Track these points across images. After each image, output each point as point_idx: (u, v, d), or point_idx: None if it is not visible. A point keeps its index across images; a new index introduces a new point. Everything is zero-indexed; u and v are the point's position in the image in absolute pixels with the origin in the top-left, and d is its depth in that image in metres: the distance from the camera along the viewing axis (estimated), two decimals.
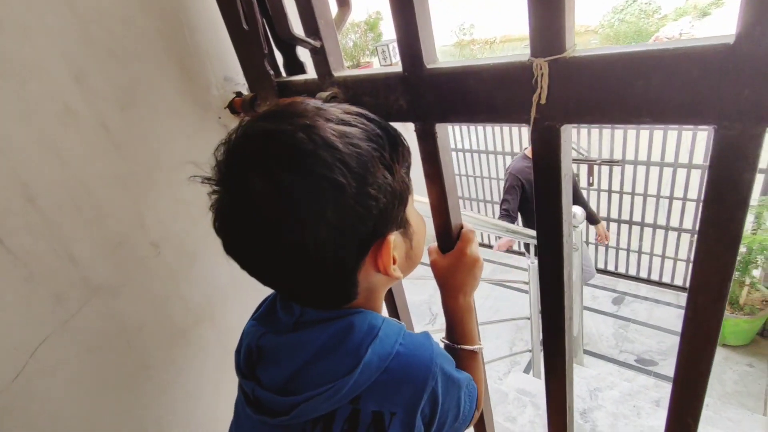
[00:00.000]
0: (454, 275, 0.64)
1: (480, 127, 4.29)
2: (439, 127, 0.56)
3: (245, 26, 0.67)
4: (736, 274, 2.63)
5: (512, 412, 2.03)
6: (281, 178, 0.40)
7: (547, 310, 0.60)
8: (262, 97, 0.74)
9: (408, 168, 0.50)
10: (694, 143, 2.99)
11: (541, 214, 0.53)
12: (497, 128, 4.15)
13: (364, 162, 0.42)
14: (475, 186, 4.53)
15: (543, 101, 0.44)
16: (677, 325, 3.14)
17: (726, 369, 2.72)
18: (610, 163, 3.37)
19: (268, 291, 0.61)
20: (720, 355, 2.72)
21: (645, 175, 3.32)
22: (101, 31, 0.62)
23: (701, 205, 0.40)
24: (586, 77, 0.41)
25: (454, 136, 4.50)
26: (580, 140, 3.78)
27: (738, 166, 0.36)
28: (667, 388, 2.62)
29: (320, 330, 0.48)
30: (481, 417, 0.83)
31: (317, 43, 0.61)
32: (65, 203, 0.62)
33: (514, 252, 4.34)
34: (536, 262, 2.32)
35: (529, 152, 2.60)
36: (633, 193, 3.43)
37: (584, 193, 2.88)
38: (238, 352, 0.56)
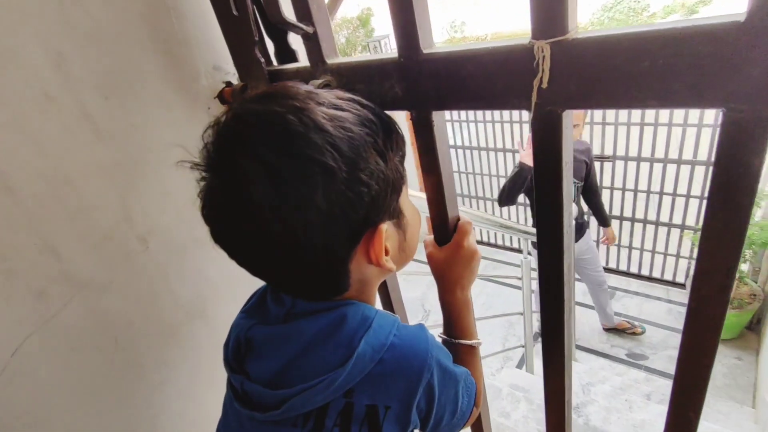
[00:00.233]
0: (452, 268, 0.63)
1: (473, 124, 4.29)
2: (436, 115, 0.55)
3: (235, 12, 0.65)
4: None
5: (506, 408, 2.03)
6: (270, 160, 0.38)
7: (546, 304, 0.59)
8: (252, 87, 0.72)
9: (402, 157, 0.49)
10: (684, 139, 3.01)
11: (542, 204, 0.51)
12: (490, 125, 4.15)
13: (355, 147, 0.41)
14: (467, 182, 4.52)
15: (544, 85, 0.43)
16: (667, 319, 3.18)
17: (715, 362, 2.74)
18: (602, 159, 3.39)
19: (259, 285, 0.60)
20: None
21: (635, 171, 3.34)
22: (80, 13, 0.59)
23: (707, 192, 0.39)
24: (589, 59, 0.39)
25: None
26: None
27: (746, 150, 0.35)
28: (657, 382, 2.64)
29: (312, 321, 0.47)
30: (479, 413, 0.82)
31: (310, 29, 0.59)
32: (46, 195, 0.59)
33: (507, 248, 4.35)
34: (529, 258, 2.33)
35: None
36: (624, 189, 3.46)
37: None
38: (226, 345, 0.55)
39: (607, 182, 3.50)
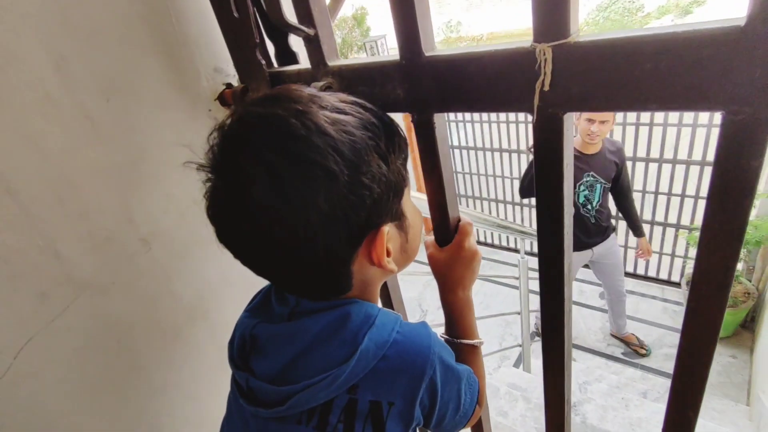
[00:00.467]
0: (453, 269, 0.63)
1: (470, 124, 4.30)
2: (437, 117, 0.55)
3: (235, 14, 0.65)
4: None
5: (504, 407, 2.04)
6: (272, 163, 0.39)
7: (546, 302, 0.60)
8: (253, 89, 0.72)
9: (405, 159, 0.50)
10: (679, 139, 3.03)
11: (542, 205, 0.52)
12: (487, 125, 4.16)
13: (357, 150, 0.41)
14: (464, 183, 4.53)
15: (546, 88, 0.43)
16: (662, 318, 3.20)
17: None
18: None
19: (260, 286, 0.60)
20: None
21: (631, 171, 3.35)
22: (81, 14, 0.59)
23: (707, 192, 0.40)
24: (591, 62, 0.40)
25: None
26: None
27: (746, 153, 0.36)
28: (654, 380, 2.66)
29: (316, 319, 0.48)
30: None
31: (311, 31, 0.59)
32: (48, 197, 0.59)
33: (505, 248, 4.37)
34: (526, 257, 2.34)
35: (573, 140, 2.47)
36: None
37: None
38: (231, 343, 0.55)
39: None
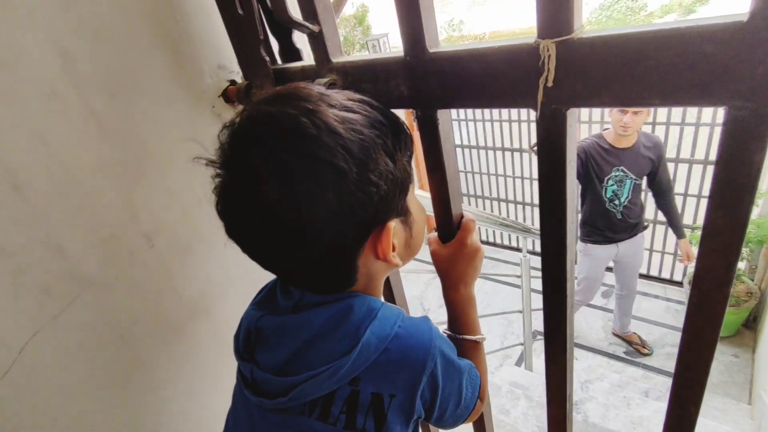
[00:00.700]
0: (455, 265, 0.64)
1: (472, 123, 4.29)
2: (441, 114, 0.55)
3: (240, 11, 0.65)
4: None
5: (505, 405, 2.04)
6: (282, 161, 0.40)
7: (548, 300, 0.60)
8: (257, 85, 0.72)
9: (410, 156, 0.51)
10: (682, 138, 3.03)
11: (545, 201, 0.52)
12: (489, 123, 4.16)
13: (366, 148, 0.42)
14: (467, 181, 4.53)
15: (550, 84, 0.43)
16: (664, 317, 3.20)
17: None
18: None
19: (263, 283, 0.60)
20: None
21: None
22: (86, 11, 0.60)
23: (709, 188, 0.40)
24: (595, 58, 0.40)
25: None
26: None
27: (749, 148, 0.36)
28: (655, 379, 2.66)
29: (319, 312, 0.49)
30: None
31: (315, 28, 0.60)
32: (53, 193, 0.60)
33: (507, 247, 4.37)
34: (528, 256, 2.34)
35: (605, 133, 2.35)
36: None
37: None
38: (237, 336, 0.56)
39: None
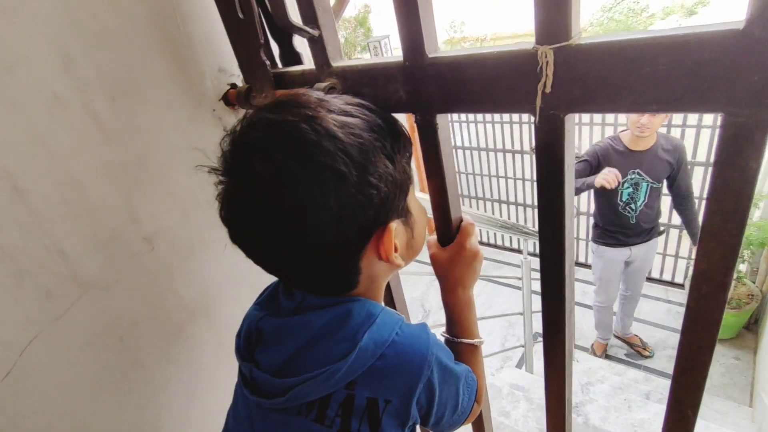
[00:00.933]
0: (454, 269, 0.64)
1: (473, 124, 4.30)
2: (440, 118, 0.56)
3: (240, 15, 0.66)
4: None
5: (506, 407, 2.04)
6: (284, 167, 0.41)
7: (547, 303, 0.60)
8: (257, 89, 0.73)
9: (409, 158, 0.52)
10: (683, 140, 3.02)
11: (543, 205, 0.52)
12: (490, 125, 4.16)
13: (365, 152, 0.43)
14: (467, 183, 4.53)
15: (548, 90, 0.44)
16: (666, 319, 3.19)
17: (713, 362, 2.74)
18: None
19: (263, 286, 0.61)
20: None
21: None
22: (87, 15, 0.60)
23: (707, 193, 0.40)
24: (592, 65, 0.40)
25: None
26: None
27: (745, 154, 0.36)
28: (656, 382, 2.65)
29: (319, 315, 0.49)
30: (480, 412, 0.83)
31: (315, 32, 0.60)
32: (54, 196, 0.60)
33: (507, 249, 4.36)
34: (529, 258, 2.34)
35: (622, 135, 2.28)
36: None
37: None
38: (238, 335, 0.57)
39: None
